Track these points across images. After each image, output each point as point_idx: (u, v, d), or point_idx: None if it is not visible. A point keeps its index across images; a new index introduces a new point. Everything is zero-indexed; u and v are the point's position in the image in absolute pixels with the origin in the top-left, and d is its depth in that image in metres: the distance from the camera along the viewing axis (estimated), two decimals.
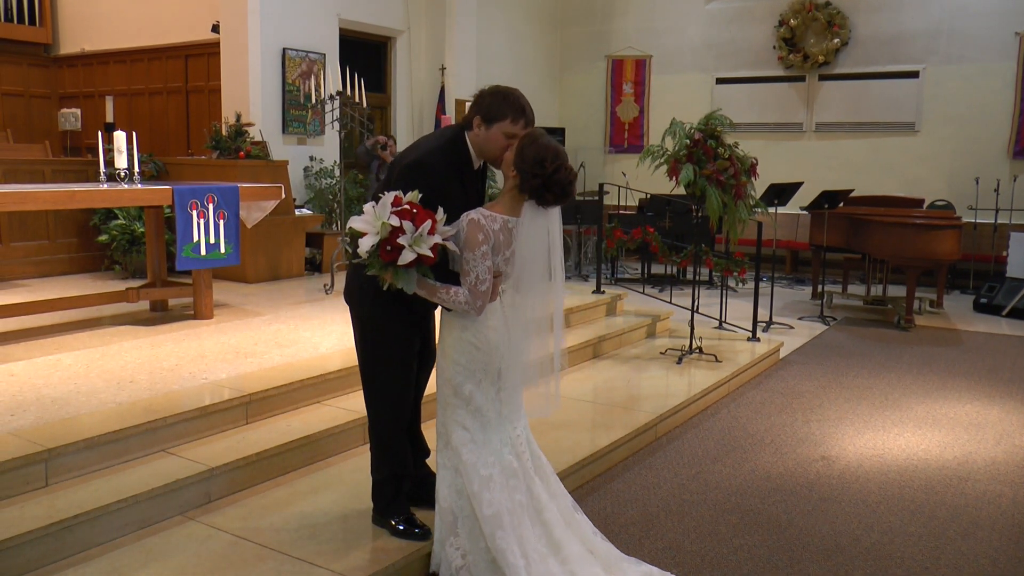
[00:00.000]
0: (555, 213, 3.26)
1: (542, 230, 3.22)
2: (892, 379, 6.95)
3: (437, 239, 3.10)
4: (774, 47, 12.88)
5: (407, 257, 3.05)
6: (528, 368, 3.37)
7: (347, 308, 3.64)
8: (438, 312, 3.53)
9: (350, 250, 3.24)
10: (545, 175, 3.12)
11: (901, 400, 6.36)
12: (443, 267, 3.25)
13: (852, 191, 10.54)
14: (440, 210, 3.17)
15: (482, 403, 3.31)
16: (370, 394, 3.62)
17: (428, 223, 3.07)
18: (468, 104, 3.49)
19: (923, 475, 4.86)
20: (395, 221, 3.04)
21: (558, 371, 3.45)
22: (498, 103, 3.30)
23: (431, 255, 3.08)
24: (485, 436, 3.32)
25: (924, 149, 12.10)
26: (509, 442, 3.36)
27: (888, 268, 10.19)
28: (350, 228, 3.15)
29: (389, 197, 3.11)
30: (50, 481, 3.71)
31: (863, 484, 4.72)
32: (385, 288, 3.19)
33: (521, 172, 3.16)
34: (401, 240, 3.04)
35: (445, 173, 3.32)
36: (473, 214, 3.20)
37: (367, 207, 3.15)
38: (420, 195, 3.17)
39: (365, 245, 3.09)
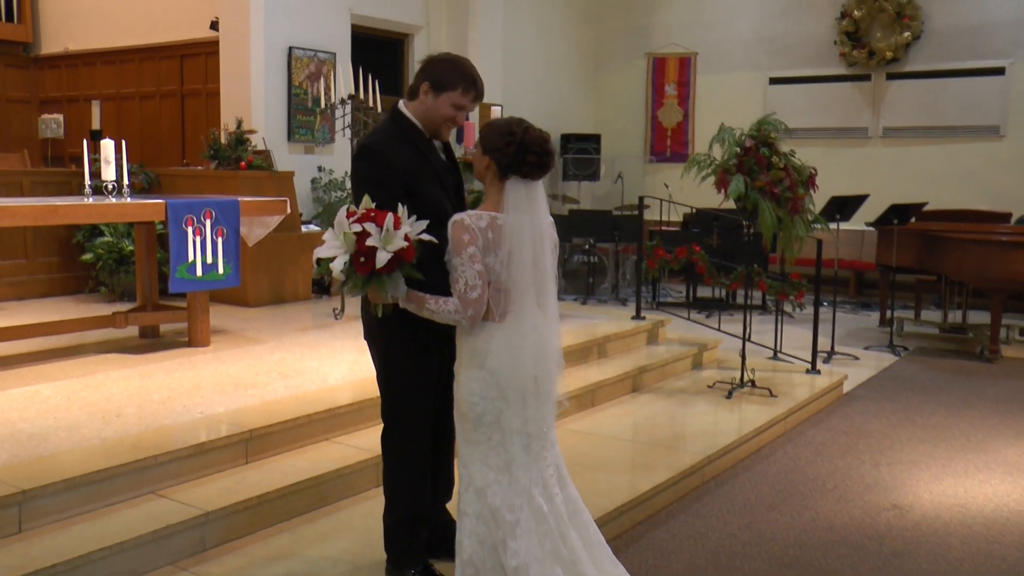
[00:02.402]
0: (540, 202, 3.29)
1: (526, 223, 3.24)
2: (975, 417, 6.87)
3: (406, 229, 3.17)
4: (835, 42, 12.87)
5: (383, 258, 3.13)
6: (553, 391, 3.38)
7: (359, 335, 3.73)
8: None
9: (326, 276, 3.33)
10: (517, 140, 3.23)
11: (986, 442, 6.28)
12: (434, 281, 3.28)
13: (925, 204, 10.47)
14: (401, 207, 3.22)
15: (507, 435, 3.30)
16: (388, 426, 3.67)
17: (390, 217, 3.16)
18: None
19: (1016, 529, 4.78)
20: (356, 228, 3.14)
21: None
22: (449, 71, 3.50)
23: (406, 244, 3.15)
24: (511, 475, 3.30)
25: (1010, 156, 11.99)
26: (540, 482, 3.34)
27: (968, 291, 10.09)
28: (318, 259, 3.25)
29: (341, 214, 3.22)
30: (24, 526, 3.73)
31: (942, 538, 4.65)
32: (380, 315, 3.27)
33: (493, 152, 3.26)
34: (371, 242, 3.13)
35: (397, 148, 3.47)
36: (456, 216, 3.27)
37: (326, 235, 3.26)
38: (373, 200, 3.25)
39: (337, 265, 3.19)
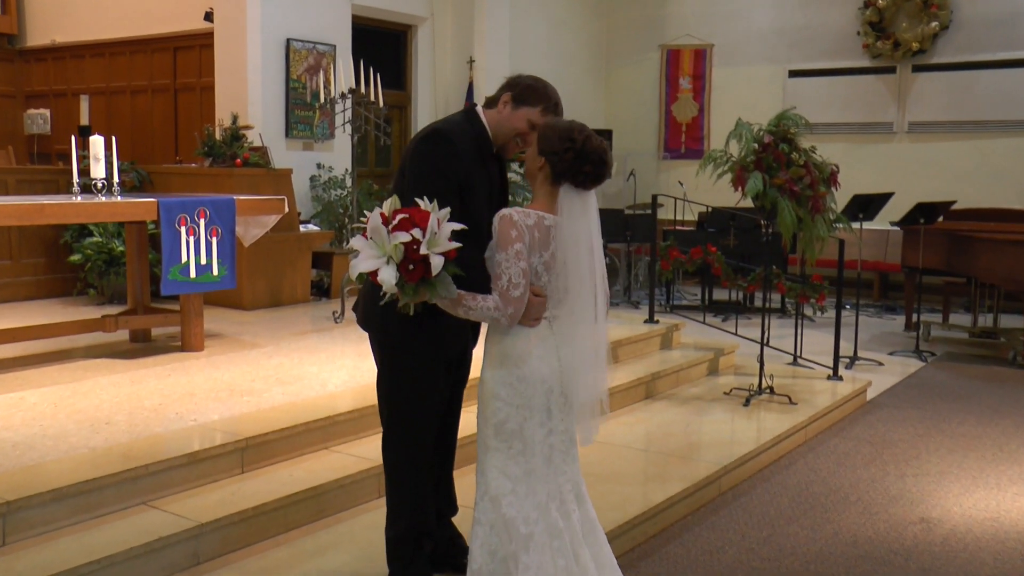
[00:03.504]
0: (593, 210, 3.31)
1: (583, 230, 3.27)
2: (1007, 427, 6.85)
3: (449, 226, 3.14)
4: (858, 33, 12.86)
5: (438, 262, 3.09)
6: (584, 408, 3.38)
7: (361, 338, 3.70)
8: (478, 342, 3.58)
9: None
10: (576, 147, 3.24)
11: (1020, 452, 6.26)
12: (474, 282, 3.27)
13: (954, 203, 10.45)
14: (428, 201, 3.18)
15: (529, 444, 3.31)
16: (389, 434, 3.67)
17: (434, 218, 3.12)
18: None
19: None
20: (404, 237, 3.08)
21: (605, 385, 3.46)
22: (534, 89, 3.59)
23: (458, 244, 3.13)
24: (529, 486, 3.31)
25: None
26: (557, 496, 3.35)
27: (1000, 294, 10.07)
28: (359, 276, 3.20)
29: (376, 220, 3.14)
30: (9, 539, 3.74)
31: (973, 554, 4.64)
32: (412, 313, 3.21)
33: (550, 155, 3.27)
34: (422, 250, 3.09)
35: (464, 144, 3.52)
36: (504, 211, 3.28)
37: (357, 243, 3.18)
38: (424, 190, 3.24)
39: (389, 279, 3.11)
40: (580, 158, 3.23)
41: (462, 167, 3.46)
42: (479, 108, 3.66)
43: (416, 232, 3.08)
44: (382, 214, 3.16)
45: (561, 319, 3.32)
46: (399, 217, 3.11)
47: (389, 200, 3.20)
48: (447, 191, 3.31)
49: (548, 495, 3.33)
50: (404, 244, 3.07)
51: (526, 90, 3.57)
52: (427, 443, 3.65)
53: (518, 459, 3.32)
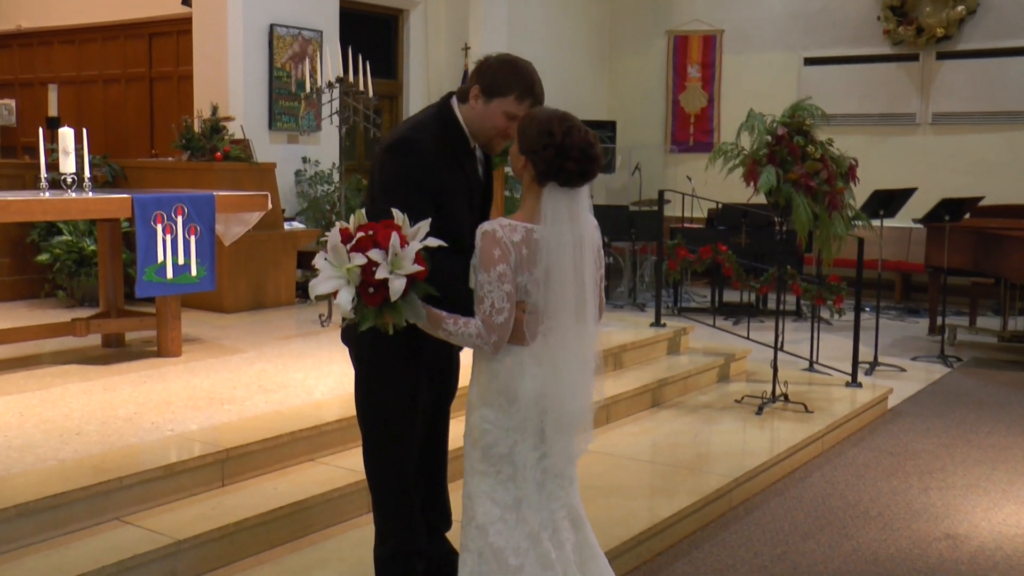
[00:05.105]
0: (583, 211, 3.21)
1: (568, 234, 3.15)
2: None
3: (416, 246, 3.05)
4: (879, 17, 12.87)
5: (398, 286, 3.00)
6: (576, 427, 3.33)
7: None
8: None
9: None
10: (556, 142, 3.09)
11: None
12: (457, 298, 3.23)
13: (981, 199, 10.47)
14: (397, 213, 3.12)
15: (520, 469, 3.25)
16: (370, 451, 3.65)
17: (395, 236, 3.03)
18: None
19: None
20: (360, 259, 3.01)
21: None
22: (504, 75, 3.40)
23: (422, 267, 3.04)
24: (519, 515, 3.26)
25: None
26: (550, 525, 3.29)
27: None
28: (316, 297, 3.12)
29: (335, 237, 3.08)
30: None
31: (1003, 572, 4.64)
32: (391, 332, 3.13)
33: (531, 154, 3.14)
34: (380, 273, 3.00)
35: (436, 151, 3.39)
36: (487, 225, 3.16)
37: (317, 262, 3.11)
38: (394, 204, 3.16)
39: (345, 302, 3.03)
40: (560, 154, 3.09)
41: (432, 177, 3.34)
42: (453, 101, 3.50)
43: (374, 253, 3.00)
44: (344, 230, 3.09)
45: (553, 331, 3.21)
46: (359, 235, 3.04)
47: (356, 214, 3.13)
48: (419, 204, 3.21)
49: (540, 524, 3.26)
50: (361, 267, 2.99)
51: (496, 79, 3.38)
52: (410, 460, 3.61)
53: (507, 485, 3.25)
